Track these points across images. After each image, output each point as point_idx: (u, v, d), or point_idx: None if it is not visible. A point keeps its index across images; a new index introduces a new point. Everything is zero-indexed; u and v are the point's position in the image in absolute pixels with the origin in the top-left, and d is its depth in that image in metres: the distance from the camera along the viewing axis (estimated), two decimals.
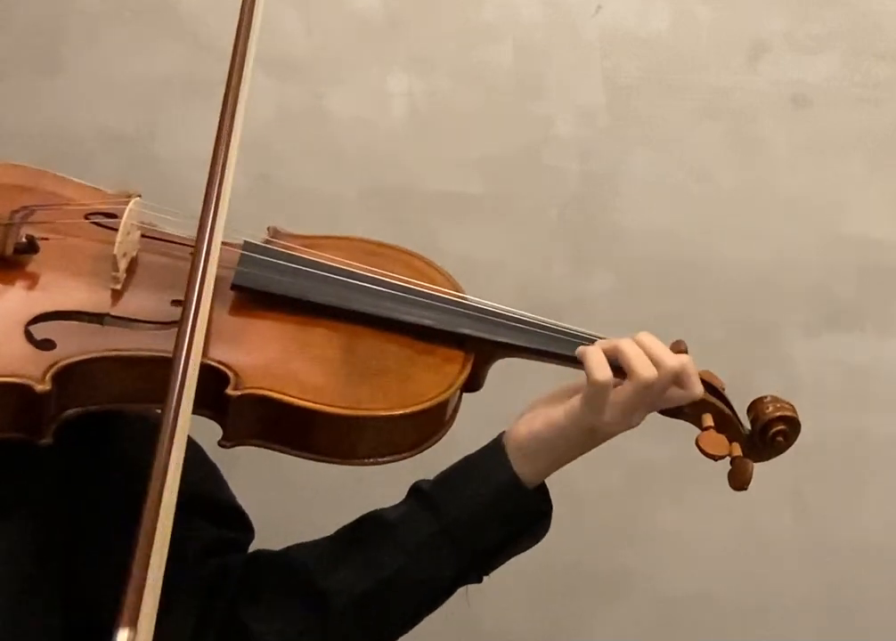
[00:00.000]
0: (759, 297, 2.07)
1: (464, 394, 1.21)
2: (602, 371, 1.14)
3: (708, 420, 1.20)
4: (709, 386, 1.21)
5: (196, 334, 1.03)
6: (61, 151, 2.00)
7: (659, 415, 1.21)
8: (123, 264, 1.16)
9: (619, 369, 1.15)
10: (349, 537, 1.23)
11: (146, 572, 0.89)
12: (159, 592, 0.90)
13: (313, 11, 2.02)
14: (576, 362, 1.17)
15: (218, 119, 1.14)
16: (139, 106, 2.05)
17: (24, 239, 1.15)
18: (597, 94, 2.02)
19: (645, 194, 2.04)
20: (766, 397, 1.22)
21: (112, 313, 1.14)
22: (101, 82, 2.04)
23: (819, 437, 1.85)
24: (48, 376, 1.06)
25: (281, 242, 1.24)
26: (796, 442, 1.22)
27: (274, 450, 1.14)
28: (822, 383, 2.08)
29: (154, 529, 0.91)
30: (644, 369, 1.14)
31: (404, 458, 1.16)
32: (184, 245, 1.19)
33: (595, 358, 1.15)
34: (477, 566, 1.21)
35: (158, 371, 1.05)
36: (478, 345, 1.20)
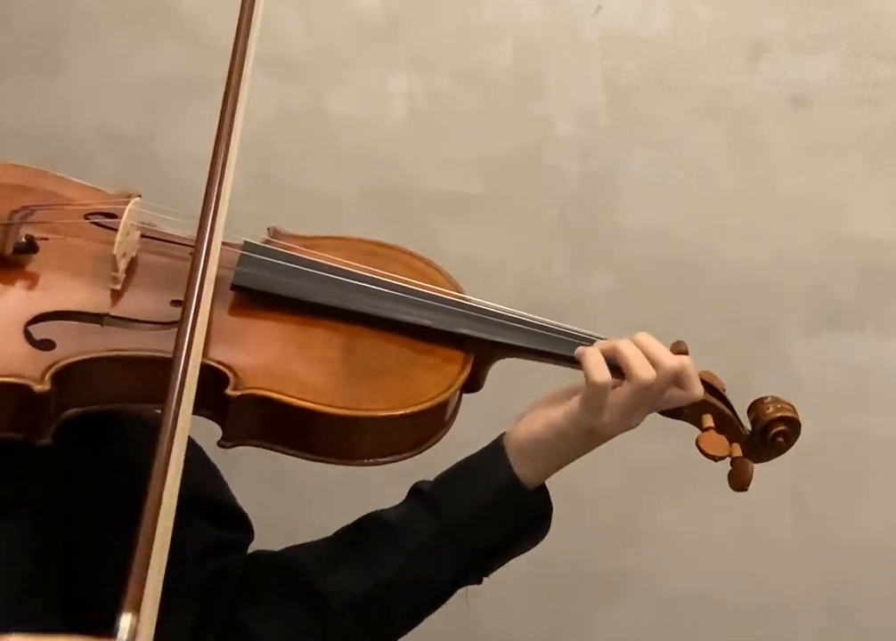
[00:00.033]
0: (759, 297, 2.07)
1: (464, 395, 1.21)
2: (600, 373, 1.14)
3: (708, 421, 1.20)
4: (709, 387, 1.21)
5: (196, 334, 1.03)
6: (61, 151, 2.00)
7: (659, 415, 1.21)
8: (122, 264, 1.16)
9: (618, 369, 1.15)
10: (349, 538, 1.23)
11: (149, 557, 0.90)
12: (162, 579, 0.91)
13: (313, 11, 2.02)
14: (576, 363, 1.17)
15: (218, 119, 1.14)
16: (139, 106, 2.05)
17: (24, 239, 1.15)
18: (597, 94, 2.02)
19: (645, 194, 2.04)
20: (766, 398, 1.22)
21: (112, 313, 1.14)
22: (101, 82, 2.04)
23: (819, 437, 1.85)
24: (47, 376, 1.06)
25: (281, 242, 1.24)
26: (796, 443, 1.22)
27: (274, 450, 1.14)
28: (822, 383, 2.08)
29: (155, 527, 0.91)
30: (642, 370, 1.14)
31: (404, 458, 1.16)
32: (184, 245, 1.19)
33: (593, 359, 1.15)
34: (477, 567, 1.21)
35: (158, 371, 1.05)
36: (478, 346, 1.20)
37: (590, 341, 1.20)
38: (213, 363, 1.10)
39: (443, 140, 2.04)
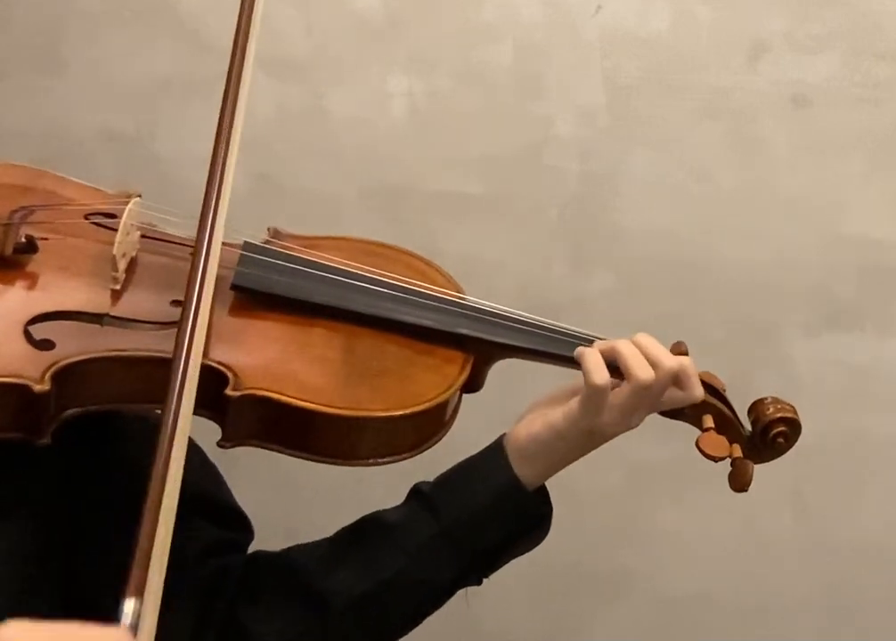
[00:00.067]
0: (759, 297, 2.07)
1: (464, 395, 1.21)
2: (600, 374, 1.14)
3: (708, 421, 1.20)
4: (709, 388, 1.21)
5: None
6: (61, 151, 2.00)
7: (659, 416, 1.21)
8: (122, 265, 1.16)
9: (617, 370, 1.15)
10: (349, 538, 1.23)
11: (152, 543, 0.90)
12: (165, 565, 0.91)
13: (313, 11, 2.02)
14: (575, 363, 1.17)
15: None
16: (139, 106, 2.05)
17: (24, 239, 1.15)
18: (597, 94, 2.02)
19: (645, 194, 2.04)
20: (767, 398, 1.22)
21: (112, 314, 1.14)
22: (101, 82, 2.04)
23: (819, 437, 1.84)
24: (47, 376, 1.06)
25: (281, 242, 1.24)
26: (796, 443, 1.22)
27: (274, 450, 1.14)
28: (822, 383, 2.08)
29: (158, 514, 0.91)
30: (641, 371, 1.14)
31: (404, 458, 1.16)
32: (184, 245, 1.19)
33: (593, 360, 1.15)
34: (477, 568, 1.21)
35: (158, 371, 1.05)
36: (478, 346, 1.20)
37: (589, 341, 1.19)
38: (212, 363, 1.10)
39: (443, 140, 2.04)
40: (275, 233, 1.26)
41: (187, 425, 0.99)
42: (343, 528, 1.24)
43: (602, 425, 1.15)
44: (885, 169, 2.03)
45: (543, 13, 2.01)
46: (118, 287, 1.16)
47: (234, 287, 1.18)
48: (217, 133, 1.14)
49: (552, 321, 1.22)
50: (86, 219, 1.22)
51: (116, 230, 1.16)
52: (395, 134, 2.04)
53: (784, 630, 2.16)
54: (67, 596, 1.18)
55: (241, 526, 1.30)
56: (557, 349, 1.20)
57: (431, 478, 1.23)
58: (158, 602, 0.91)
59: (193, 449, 1.17)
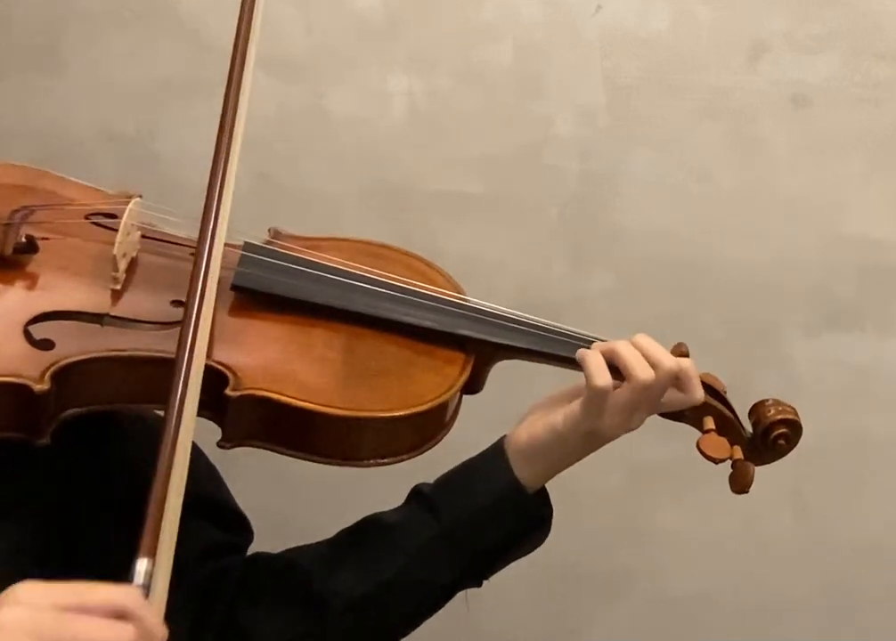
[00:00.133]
0: (759, 297, 2.07)
1: (464, 396, 1.20)
2: (602, 376, 1.14)
3: (709, 423, 1.20)
4: (710, 389, 1.21)
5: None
6: (61, 151, 2.00)
7: (660, 417, 1.21)
8: (123, 265, 1.16)
9: (617, 371, 1.15)
10: (349, 539, 1.23)
11: (164, 504, 0.90)
12: (177, 527, 0.91)
13: (313, 11, 2.02)
14: (576, 365, 1.17)
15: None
16: (139, 106, 2.05)
17: (24, 239, 1.15)
18: (597, 94, 2.02)
19: (645, 194, 2.04)
20: (768, 400, 1.22)
21: (112, 314, 1.14)
22: (101, 82, 2.04)
23: (820, 437, 1.84)
24: (47, 376, 1.06)
25: (282, 243, 1.24)
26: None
27: (274, 450, 1.14)
28: (822, 383, 2.08)
29: (169, 475, 0.91)
30: (641, 371, 1.14)
31: (405, 459, 1.16)
32: (184, 245, 1.19)
33: (594, 362, 1.15)
34: (477, 570, 1.21)
35: (158, 372, 1.05)
36: (478, 347, 1.20)
37: (589, 342, 1.19)
38: (213, 363, 1.10)
39: (443, 139, 2.04)
40: (276, 234, 1.26)
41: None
42: (343, 529, 1.24)
43: (603, 427, 1.15)
44: (885, 169, 2.03)
45: (543, 13, 2.01)
46: (118, 287, 1.16)
47: (235, 287, 1.18)
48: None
49: (552, 322, 1.22)
50: (87, 219, 1.22)
51: (116, 230, 1.16)
52: (395, 134, 2.04)
53: (784, 630, 2.16)
54: None
55: (241, 527, 1.30)
56: (557, 350, 1.20)
57: (431, 479, 1.23)
58: (170, 566, 0.90)
59: (193, 450, 1.17)
